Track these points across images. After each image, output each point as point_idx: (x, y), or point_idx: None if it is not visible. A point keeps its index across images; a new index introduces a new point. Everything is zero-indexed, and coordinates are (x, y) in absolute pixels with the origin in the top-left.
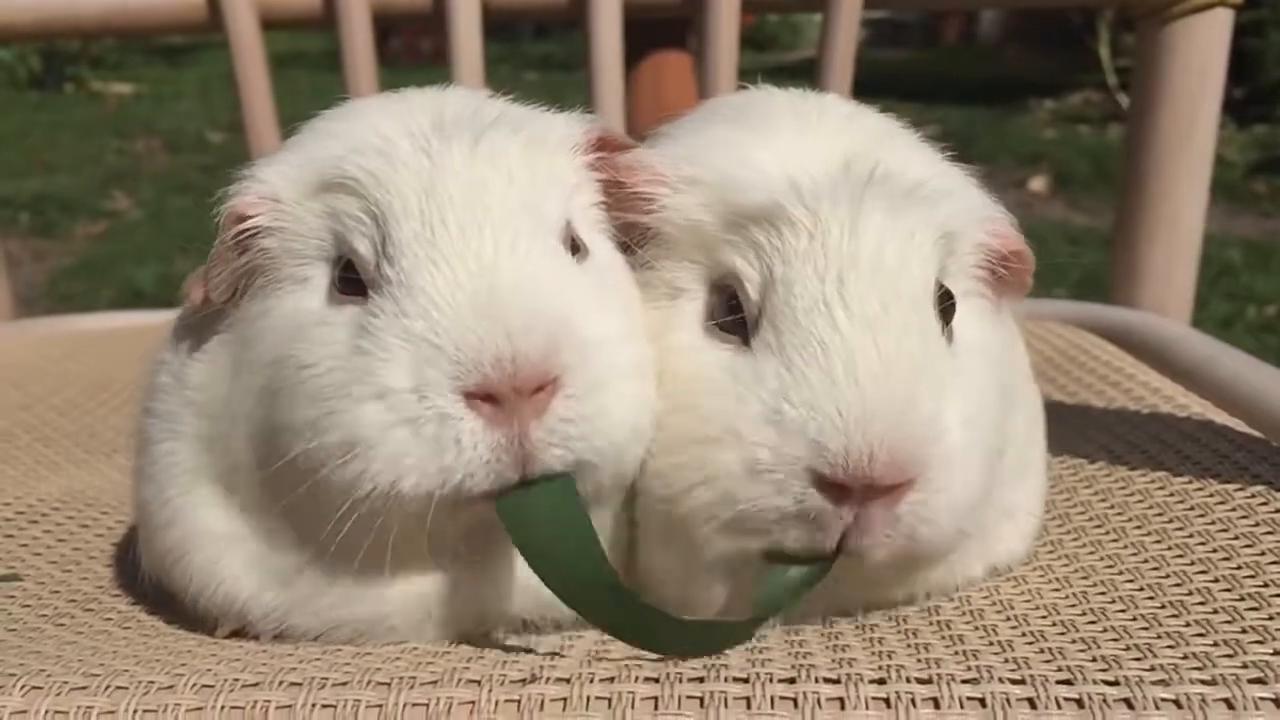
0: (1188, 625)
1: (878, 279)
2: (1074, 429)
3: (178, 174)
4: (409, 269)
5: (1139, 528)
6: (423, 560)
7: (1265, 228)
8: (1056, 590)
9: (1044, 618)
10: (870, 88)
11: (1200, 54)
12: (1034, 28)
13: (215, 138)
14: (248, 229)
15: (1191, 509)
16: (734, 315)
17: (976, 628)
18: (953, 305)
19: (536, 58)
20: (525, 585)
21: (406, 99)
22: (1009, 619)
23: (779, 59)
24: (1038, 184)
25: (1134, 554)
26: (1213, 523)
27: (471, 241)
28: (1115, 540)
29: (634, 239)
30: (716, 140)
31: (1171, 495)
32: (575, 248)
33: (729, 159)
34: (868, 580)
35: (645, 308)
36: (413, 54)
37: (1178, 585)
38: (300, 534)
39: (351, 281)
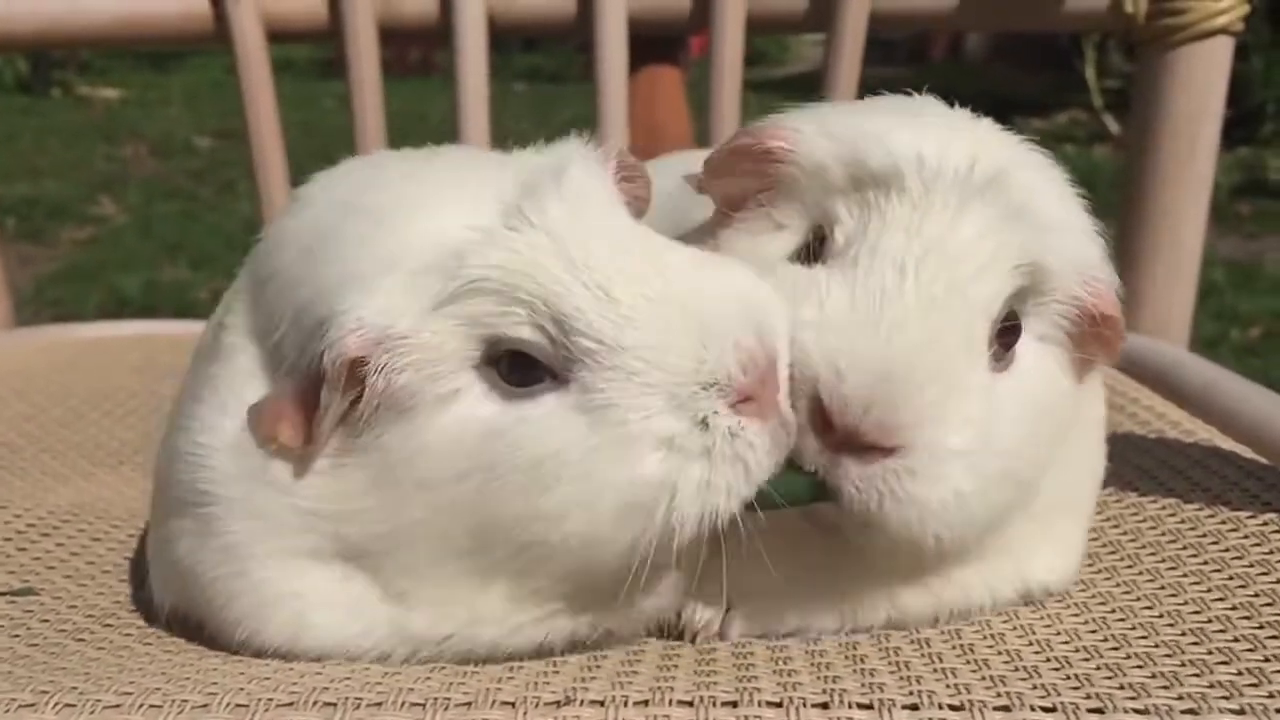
0: (1210, 653)
1: (954, 269)
2: None
3: (165, 180)
4: (605, 330)
5: (1153, 554)
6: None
7: (1250, 249)
8: (1076, 616)
9: (1066, 643)
10: None
11: (1201, 81)
12: (1021, 47)
13: (203, 144)
14: (361, 371)
15: (1204, 536)
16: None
17: (1000, 652)
18: (1016, 330)
19: (525, 69)
20: None
21: (426, 169)
22: (1032, 644)
23: (767, 74)
24: None
25: (1150, 580)
26: (1226, 550)
27: (639, 267)
28: (1130, 567)
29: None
30: (863, 116)
31: (1183, 522)
32: None
33: (871, 127)
34: (878, 581)
35: (744, 236)
36: (402, 65)
37: (1196, 613)
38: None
39: (524, 371)
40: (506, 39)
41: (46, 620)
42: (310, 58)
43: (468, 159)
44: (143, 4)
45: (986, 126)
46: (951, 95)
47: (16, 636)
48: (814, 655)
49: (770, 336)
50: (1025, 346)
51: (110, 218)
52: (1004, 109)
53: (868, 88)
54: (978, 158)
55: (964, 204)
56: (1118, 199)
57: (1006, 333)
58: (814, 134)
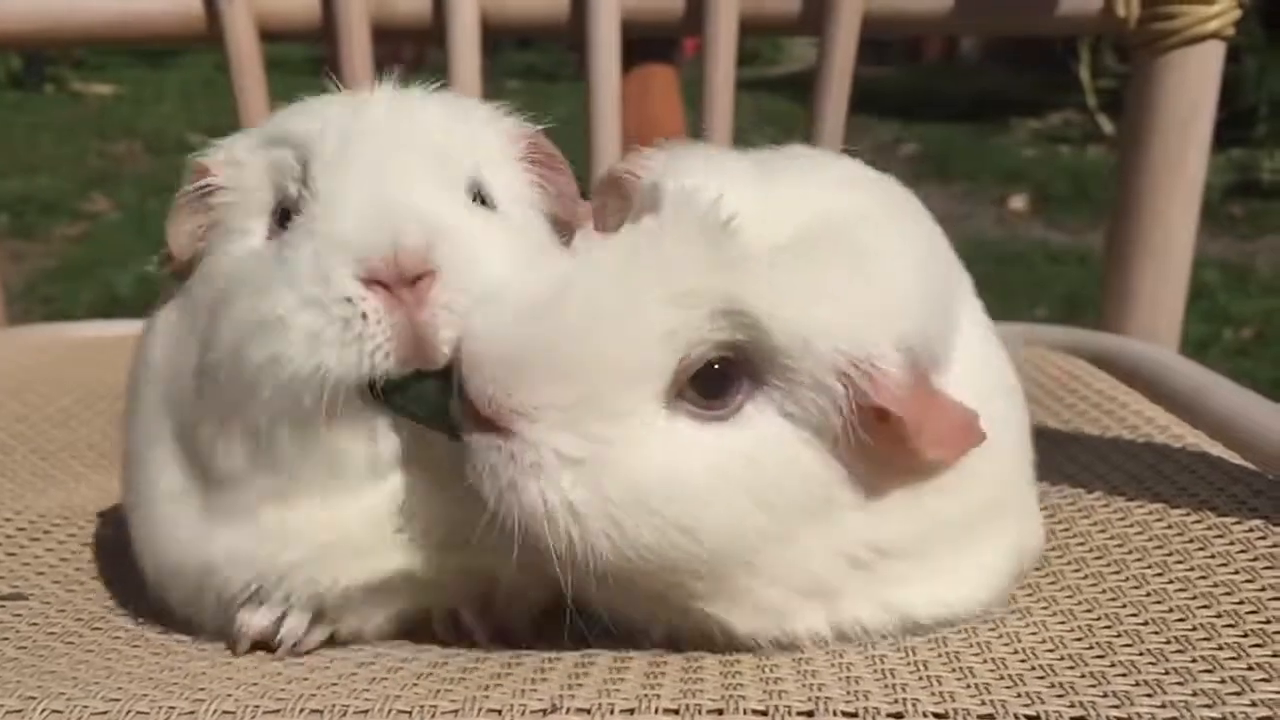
0: (1194, 661)
1: (645, 289)
2: (1070, 457)
3: (158, 176)
4: (320, 191)
5: (1139, 560)
6: (365, 476)
7: (1242, 250)
8: (1062, 623)
9: (1051, 651)
10: (851, 104)
11: (1193, 85)
12: (1015, 48)
13: (196, 140)
14: (207, 184)
15: (1190, 542)
16: None
17: (985, 660)
18: (727, 383)
19: (520, 67)
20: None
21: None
22: (1017, 651)
23: (761, 73)
24: (1018, 203)
25: (1136, 587)
26: (1212, 556)
27: (375, 171)
28: (1117, 573)
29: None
30: (697, 161)
31: (1170, 528)
32: (483, 203)
33: (681, 165)
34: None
35: None
36: (394, 61)
37: (1181, 620)
38: (246, 464)
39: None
40: (500, 38)
41: (35, 624)
42: (304, 56)
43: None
44: (138, 4)
45: (833, 181)
46: (946, 95)
47: (5, 639)
48: (800, 663)
49: (433, 251)
50: (762, 414)
51: (103, 214)
52: (998, 109)
53: (861, 88)
54: (737, 203)
55: (687, 236)
56: (1111, 198)
57: (714, 380)
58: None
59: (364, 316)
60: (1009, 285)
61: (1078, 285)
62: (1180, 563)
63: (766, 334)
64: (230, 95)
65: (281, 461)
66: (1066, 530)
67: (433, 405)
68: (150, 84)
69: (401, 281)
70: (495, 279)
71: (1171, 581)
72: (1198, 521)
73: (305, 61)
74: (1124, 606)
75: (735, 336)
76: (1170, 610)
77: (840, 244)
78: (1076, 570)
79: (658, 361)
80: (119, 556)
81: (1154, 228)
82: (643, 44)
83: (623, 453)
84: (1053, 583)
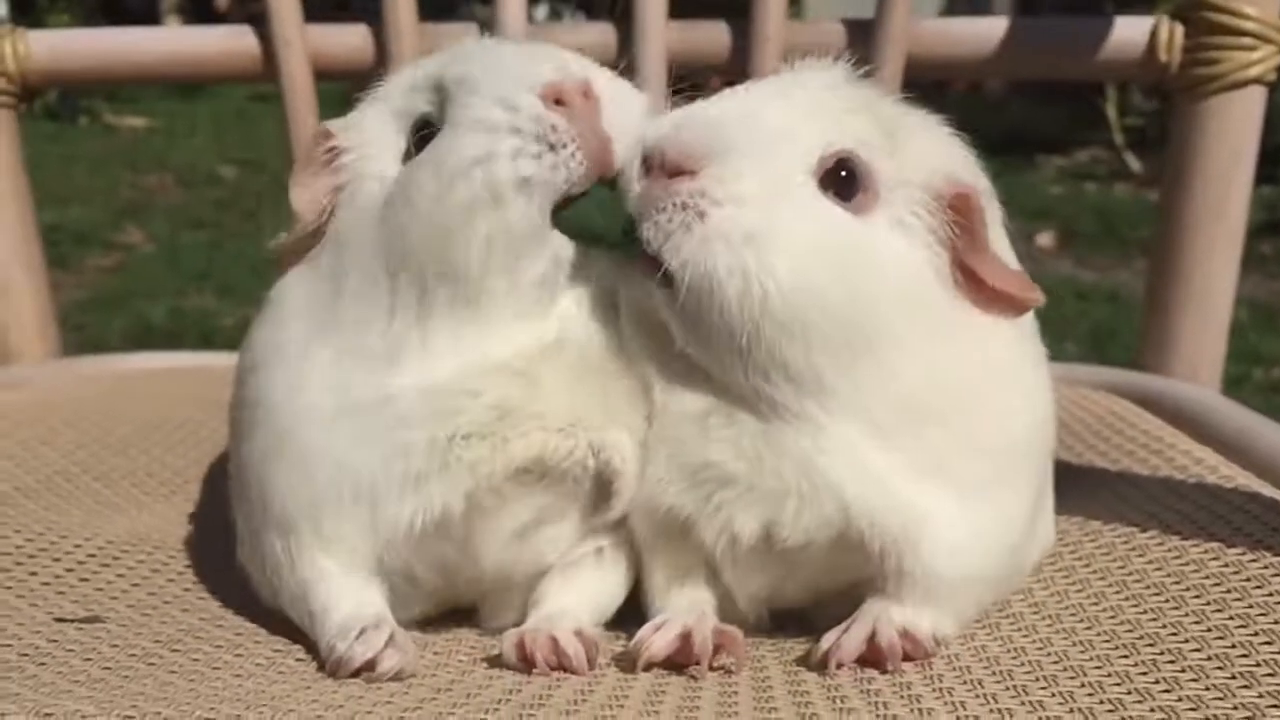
0: (1261, 697)
1: (792, 91)
2: (1121, 497)
3: (190, 208)
4: (465, 83)
5: (1197, 597)
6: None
7: (1272, 288)
8: (1125, 657)
9: (1118, 685)
10: None
11: (1234, 130)
12: (1041, 84)
13: (228, 173)
14: (333, 147)
15: (1248, 580)
16: None
17: (1054, 693)
18: (853, 182)
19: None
20: None
21: None
22: (1084, 686)
23: None
24: (1045, 239)
25: (1196, 622)
26: (1271, 594)
27: (509, 52)
28: (1176, 608)
29: None
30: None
31: (1226, 566)
32: None
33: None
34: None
35: None
36: None
37: (1245, 656)
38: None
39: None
40: None
41: (115, 646)
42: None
43: None
44: (191, 42)
45: None
46: (972, 131)
47: (89, 660)
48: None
49: (590, 75)
50: (880, 220)
51: (136, 245)
52: (1024, 145)
53: None
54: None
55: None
56: (1138, 236)
57: (843, 182)
58: None
59: (554, 128)
60: (1037, 321)
61: (1106, 322)
62: (1238, 599)
63: (890, 136)
64: (262, 127)
65: (484, 300)
66: (1122, 568)
67: (605, 220)
68: (182, 116)
69: (579, 95)
70: (642, 108)
71: (1232, 619)
72: (1254, 560)
73: (337, 94)
74: (1185, 642)
75: (866, 133)
76: (1233, 647)
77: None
78: (1135, 606)
79: (808, 139)
80: (189, 582)
81: (1195, 271)
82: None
83: (794, 219)
84: (1112, 616)
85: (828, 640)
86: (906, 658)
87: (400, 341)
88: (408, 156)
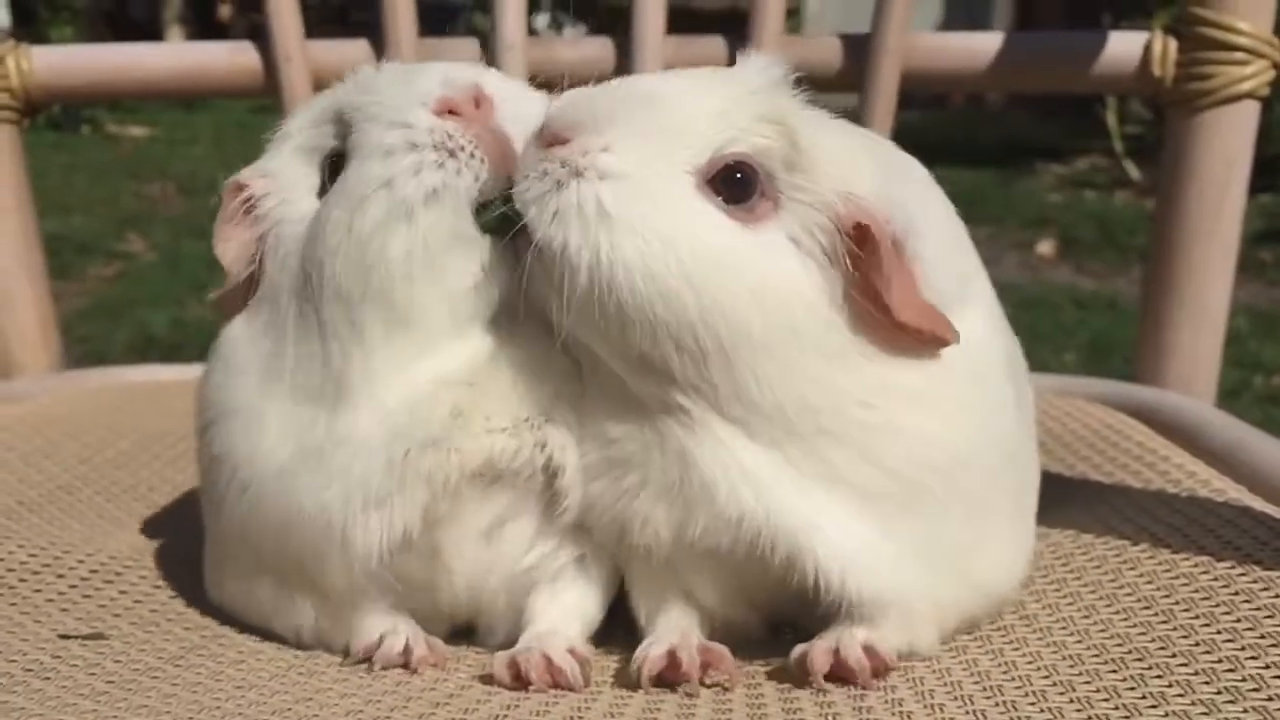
0: (1245, 713)
1: (694, 80)
2: (1114, 510)
3: (192, 218)
4: (363, 114)
5: (1186, 610)
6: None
7: (1271, 296)
8: (1114, 671)
9: (1106, 700)
10: None
11: (1228, 143)
12: (1041, 94)
13: (229, 182)
14: (249, 196)
15: (1237, 594)
16: None
17: (1043, 710)
18: (747, 185)
19: None
20: None
21: None
22: (1073, 702)
23: None
24: (1045, 247)
25: (1184, 636)
26: (1259, 608)
27: (403, 72)
28: (1165, 622)
29: None
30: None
31: (1216, 580)
32: None
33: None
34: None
35: None
36: None
37: (1231, 671)
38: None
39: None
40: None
41: (119, 661)
42: None
43: None
44: (193, 58)
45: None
46: (972, 140)
47: (93, 674)
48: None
49: (486, 90)
50: (773, 231)
51: (138, 255)
52: (1024, 154)
53: (890, 132)
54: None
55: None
56: (1138, 244)
57: (736, 185)
58: None
59: (449, 135)
60: (1036, 330)
61: (1105, 330)
62: (1227, 613)
63: (797, 149)
64: (263, 138)
65: (415, 317)
66: (1114, 581)
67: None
68: (184, 126)
69: (469, 102)
70: (542, 103)
71: (1220, 633)
72: (1243, 574)
73: None
74: (1173, 656)
75: (769, 142)
76: (1219, 661)
77: (873, 139)
78: (1125, 620)
79: (705, 134)
80: (191, 599)
81: (1190, 284)
82: None
83: (658, 206)
84: (1102, 630)
85: (796, 653)
86: (875, 674)
87: (343, 377)
88: (323, 191)
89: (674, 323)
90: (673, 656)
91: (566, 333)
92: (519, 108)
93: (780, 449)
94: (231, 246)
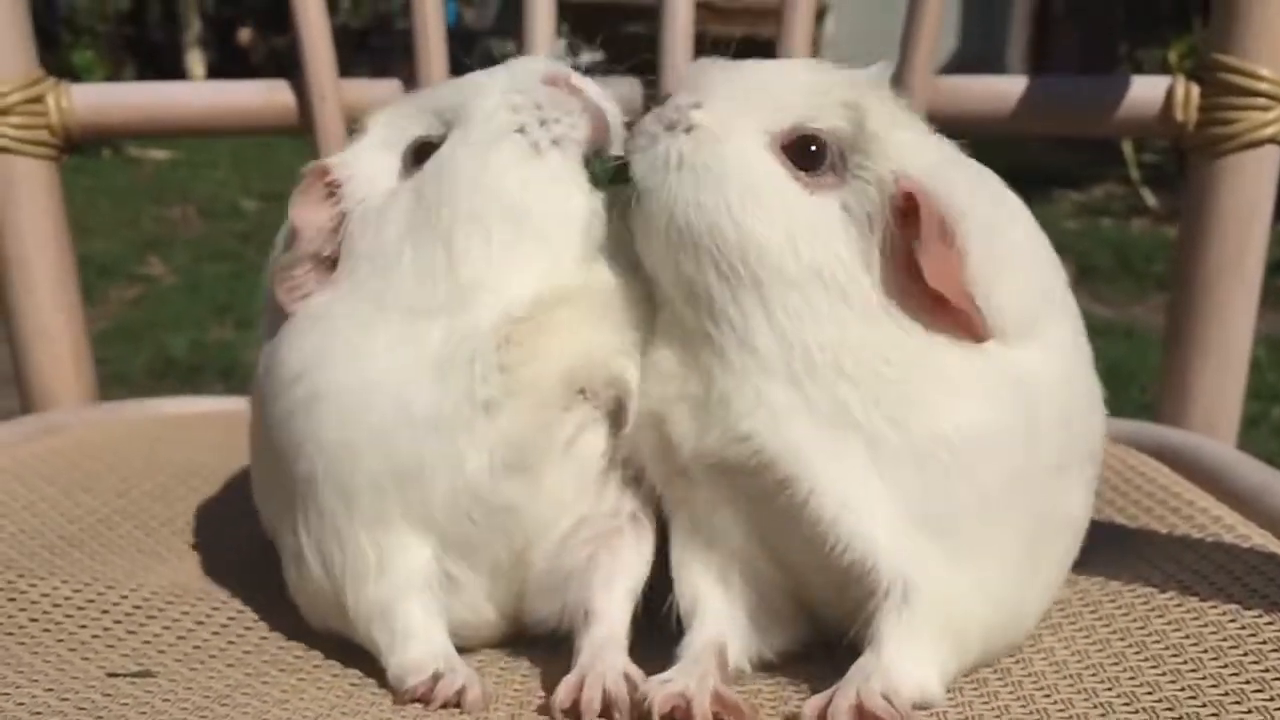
0: None
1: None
2: (1140, 555)
3: (212, 241)
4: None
5: (1215, 659)
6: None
7: None
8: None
9: None
10: None
11: (1250, 188)
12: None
13: (249, 205)
14: (333, 180)
15: (1265, 642)
16: None
17: None
18: (819, 159)
19: None
20: None
21: None
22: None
23: None
24: None
25: (1214, 685)
26: None
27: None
28: (1194, 670)
29: None
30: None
31: (1244, 628)
32: None
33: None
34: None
35: None
36: None
37: None
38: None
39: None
40: None
41: (168, 700)
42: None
43: None
44: (228, 97)
45: None
46: (988, 167)
47: (143, 714)
48: None
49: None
50: (831, 201)
51: (159, 278)
52: (1041, 182)
53: None
54: None
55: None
56: (1155, 272)
57: (806, 156)
58: None
59: (564, 100)
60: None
61: (1122, 359)
62: (1256, 663)
63: (864, 133)
64: (283, 161)
65: (544, 231)
66: (1142, 629)
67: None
68: (204, 150)
69: (569, 81)
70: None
71: (1249, 682)
72: (1270, 623)
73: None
74: (1204, 706)
75: (844, 125)
76: (1250, 712)
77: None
78: (1155, 668)
79: (789, 106)
80: (234, 635)
81: (1213, 326)
82: None
83: (724, 151)
84: (1131, 678)
85: (813, 706)
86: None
87: (472, 280)
88: (404, 175)
89: (715, 251)
90: (685, 701)
91: (646, 268)
92: (599, 93)
93: (799, 388)
94: (311, 214)
